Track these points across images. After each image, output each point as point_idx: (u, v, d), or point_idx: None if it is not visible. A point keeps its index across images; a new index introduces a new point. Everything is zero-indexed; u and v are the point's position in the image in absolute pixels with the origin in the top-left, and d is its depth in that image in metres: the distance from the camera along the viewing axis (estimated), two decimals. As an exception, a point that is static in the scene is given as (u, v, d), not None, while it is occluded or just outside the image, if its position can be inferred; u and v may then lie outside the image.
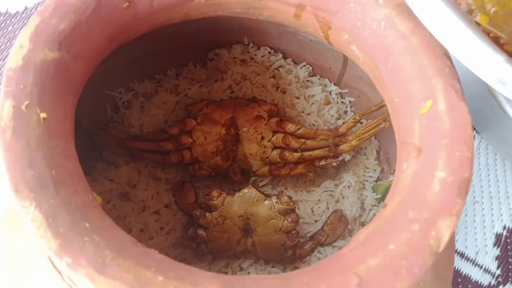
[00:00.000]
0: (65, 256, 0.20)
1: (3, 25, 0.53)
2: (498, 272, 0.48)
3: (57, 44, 0.25)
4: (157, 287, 0.20)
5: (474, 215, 0.50)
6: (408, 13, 0.30)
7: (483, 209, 0.50)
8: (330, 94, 0.45)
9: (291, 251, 0.38)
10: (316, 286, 0.21)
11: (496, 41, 0.25)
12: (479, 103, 0.48)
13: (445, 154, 0.26)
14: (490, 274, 0.48)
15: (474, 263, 0.48)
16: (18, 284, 0.28)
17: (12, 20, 0.54)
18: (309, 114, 0.44)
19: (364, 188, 0.43)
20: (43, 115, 0.23)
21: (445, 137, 0.26)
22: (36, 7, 0.55)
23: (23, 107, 0.23)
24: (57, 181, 0.22)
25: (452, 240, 0.34)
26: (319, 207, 0.42)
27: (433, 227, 0.23)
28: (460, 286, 0.47)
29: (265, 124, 0.41)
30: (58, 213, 0.21)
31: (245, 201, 0.37)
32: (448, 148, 0.26)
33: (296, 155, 0.41)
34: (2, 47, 0.52)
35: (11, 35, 0.53)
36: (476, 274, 0.48)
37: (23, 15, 0.54)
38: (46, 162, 0.22)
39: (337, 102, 0.45)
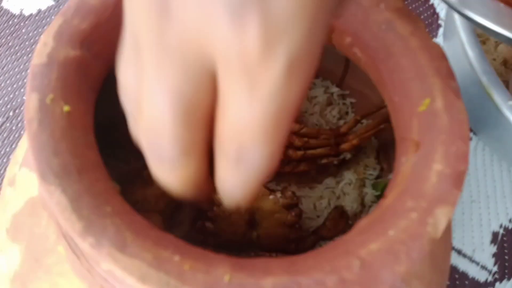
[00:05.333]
0: (89, 237, 0.22)
1: (17, 27, 0.55)
2: (495, 269, 0.49)
3: (78, 43, 0.27)
4: (175, 266, 0.21)
5: (471, 214, 0.51)
6: (408, 17, 0.31)
7: (480, 208, 0.52)
8: (332, 95, 0.47)
9: (293, 245, 0.40)
10: (321, 267, 0.22)
11: None
12: (476, 104, 0.49)
13: (442, 149, 0.27)
14: (486, 271, 0.49)
15: (471, 260, 0.50)
16: (36, 271, 0.30)
17: (26, 22, 0.55)
18: (312, 115, 0.45)
19: (364, 185, 0.44)
20: (66, 108, 0.25)
21: (442, 133, 0.28)
22: (50, 10, 0.57)
23: (48, 101, 0.25)
24: (80, 168, 0.23)
25: (449, 232, 0.35)
26: (321, 203, 0.43)
27: (431, 215, 0.24)
28: (457, 282, 0.49)
29: (270, 123, 0.43)
30: (81, 197, 0.22)
31: (250, 196, 0.39)
32: (445, 143, 0.27)
33: (299, 153, 0.43)
34: (17, 48, 0.54)
35: (25, 37, 0.55)
36: (473, 271, 0.49)
37: (36, 18, 0.56)
38: (69, 152, 0.24)
39: (339, 103, 0.47)
